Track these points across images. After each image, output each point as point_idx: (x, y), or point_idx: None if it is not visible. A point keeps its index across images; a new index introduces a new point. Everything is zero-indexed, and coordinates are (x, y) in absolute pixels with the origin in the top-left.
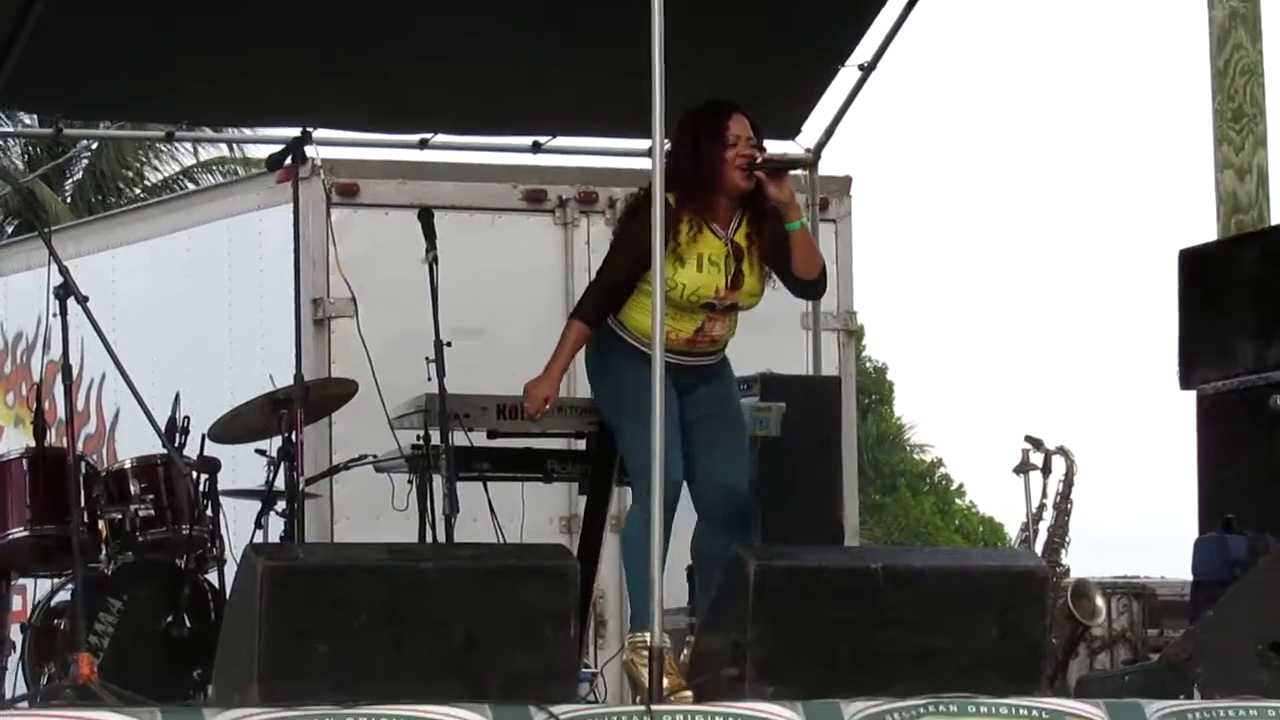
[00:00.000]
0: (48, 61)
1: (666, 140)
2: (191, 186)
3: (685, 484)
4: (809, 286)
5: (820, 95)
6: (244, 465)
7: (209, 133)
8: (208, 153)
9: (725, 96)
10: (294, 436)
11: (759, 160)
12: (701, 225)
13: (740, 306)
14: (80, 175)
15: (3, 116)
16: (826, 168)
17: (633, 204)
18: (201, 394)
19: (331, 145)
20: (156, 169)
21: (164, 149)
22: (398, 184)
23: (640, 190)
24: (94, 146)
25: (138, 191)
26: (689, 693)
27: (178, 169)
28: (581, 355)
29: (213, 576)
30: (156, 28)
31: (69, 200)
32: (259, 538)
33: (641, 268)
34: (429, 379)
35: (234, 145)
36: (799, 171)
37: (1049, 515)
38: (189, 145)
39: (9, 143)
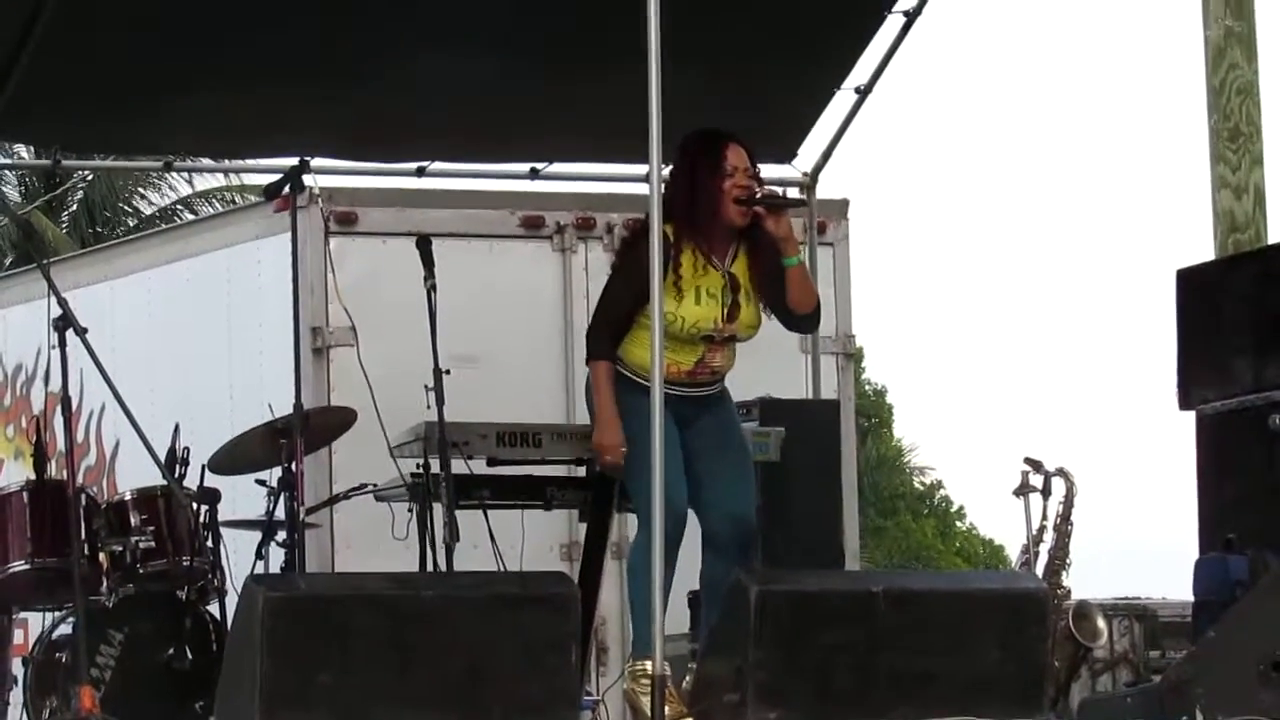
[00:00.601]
0: (44, 94)
1: (665, 166)
2: (189, 216)
3: (693, 513)
4: (803, 321)
5: (816, 119)
6: (244, 496)
7: (206, 163)
8: (205, 182)
9: (722, 125)
10: (294, 466)
11: (758, 196)
12: (699, 257)
13: (738, 338)
14: (75, 207)
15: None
16: (824, 191)
17: (630, 236)
18: (201, 424)
19: (329, 174)
20: (148, 200)
21: (159, 179)
22: (395, 212)
23: (638, 220)
24: (89, 178)
25: (133, 223)
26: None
27: (174, 199)
28: (581, 390)
29: (214, 608)
30: (152, 61)
31: (65, 230)
32: (260, 568)
33: (643, 300)
34: (428, 407)
35: (231, 175)
36: (793, 184)
37: (1049, 537)
38: (185, 175)
39: (4, 174)
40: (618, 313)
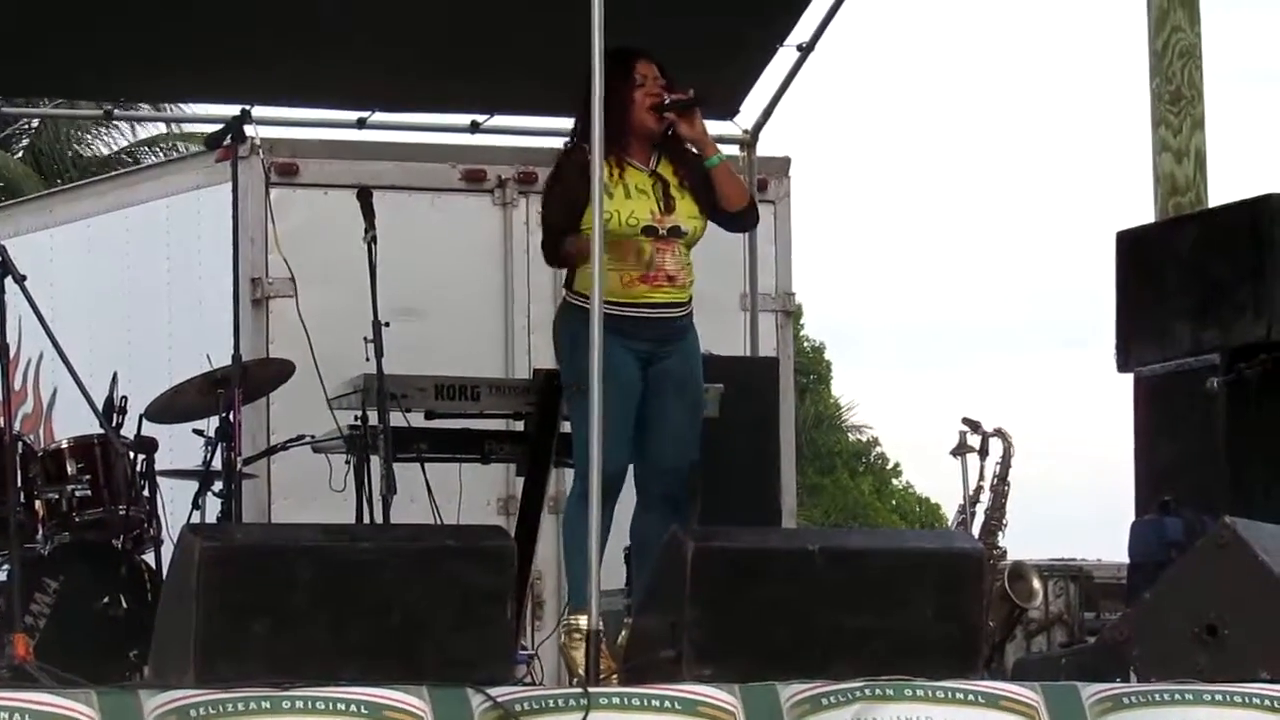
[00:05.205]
0: None
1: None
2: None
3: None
4: (739, 218)
5: (758, 76)
6: (181, 445)
7: (147, 111)
8: (149, 131)
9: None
10: (231, 416)
11: (667, 101)
12: (621, 160)
13: (683, 232)
14: (20, 154)
15: None
16: (765, 148)
17: (557, 160)
18: (139, 374)
19: (271, 124)
20: (91, 148)
21: (104, 128)
22: (337, 163)
23: (563, 147)
24: (35, 125)
25: (74, 173)
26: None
27: (119, 147)
28: (520, 344)
29: (149, 557)
30: (93, 4)
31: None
32: (196, 518)
33: (575, 207)
34: (367, 359)
35: (174, 124)
36: (734, 141)
37: (986, 497)
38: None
39: None
40: (556, 218)
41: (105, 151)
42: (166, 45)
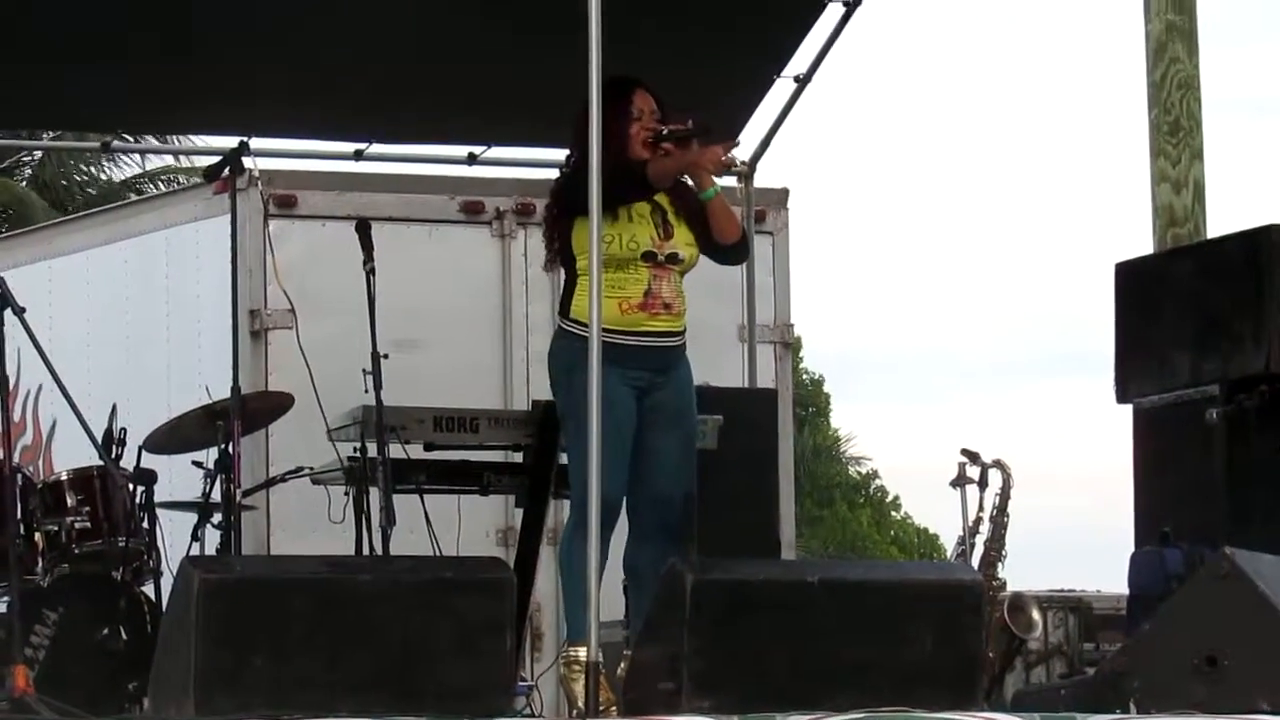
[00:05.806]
0: None
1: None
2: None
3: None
4: (731, 252)
5: (755, 107)
6: (181, 477)
7: (146, 143)
8: (152, 163)
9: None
10: (230, 448)
11: (664, 133)
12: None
13: (681, 258)
14: (25, 183)
15: None
16: (763, 179)
17: (554, 190)
18: (138, 405)
19: (269, 156)
20: (93, 175)
21: (109, 161)
22: (335, 195)
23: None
24: (38, 156)
25: (79, 202)
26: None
27: (121, 179)
28: (519, 375)
29: (149, 589)
30: (93, 35)
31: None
32: (195, 550)
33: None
34: (366, 391)
35: (177, 155)
36: (732, 173)
37: (985, 528)
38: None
39: None
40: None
41: (105, 179)
42: (165, 78)
